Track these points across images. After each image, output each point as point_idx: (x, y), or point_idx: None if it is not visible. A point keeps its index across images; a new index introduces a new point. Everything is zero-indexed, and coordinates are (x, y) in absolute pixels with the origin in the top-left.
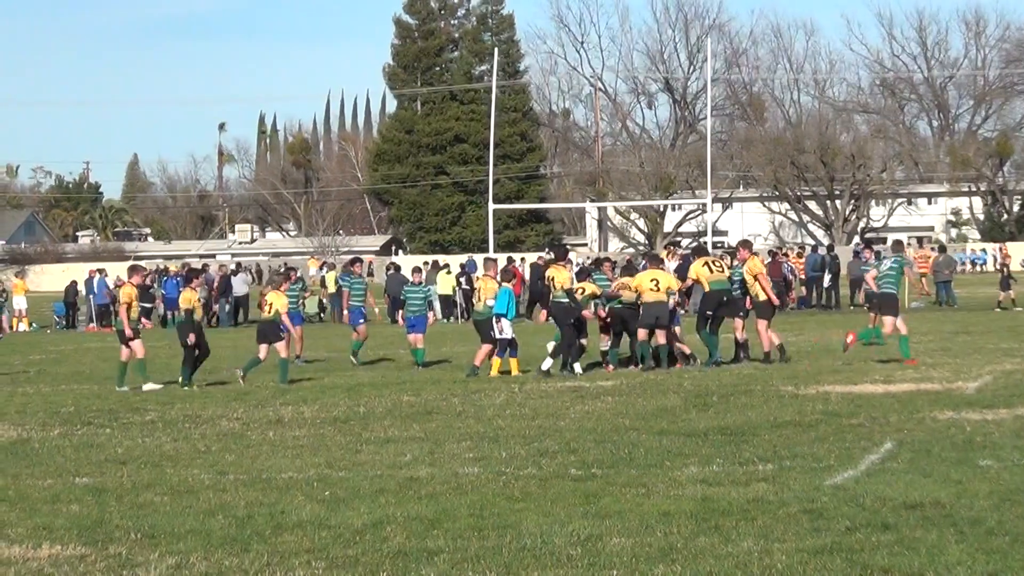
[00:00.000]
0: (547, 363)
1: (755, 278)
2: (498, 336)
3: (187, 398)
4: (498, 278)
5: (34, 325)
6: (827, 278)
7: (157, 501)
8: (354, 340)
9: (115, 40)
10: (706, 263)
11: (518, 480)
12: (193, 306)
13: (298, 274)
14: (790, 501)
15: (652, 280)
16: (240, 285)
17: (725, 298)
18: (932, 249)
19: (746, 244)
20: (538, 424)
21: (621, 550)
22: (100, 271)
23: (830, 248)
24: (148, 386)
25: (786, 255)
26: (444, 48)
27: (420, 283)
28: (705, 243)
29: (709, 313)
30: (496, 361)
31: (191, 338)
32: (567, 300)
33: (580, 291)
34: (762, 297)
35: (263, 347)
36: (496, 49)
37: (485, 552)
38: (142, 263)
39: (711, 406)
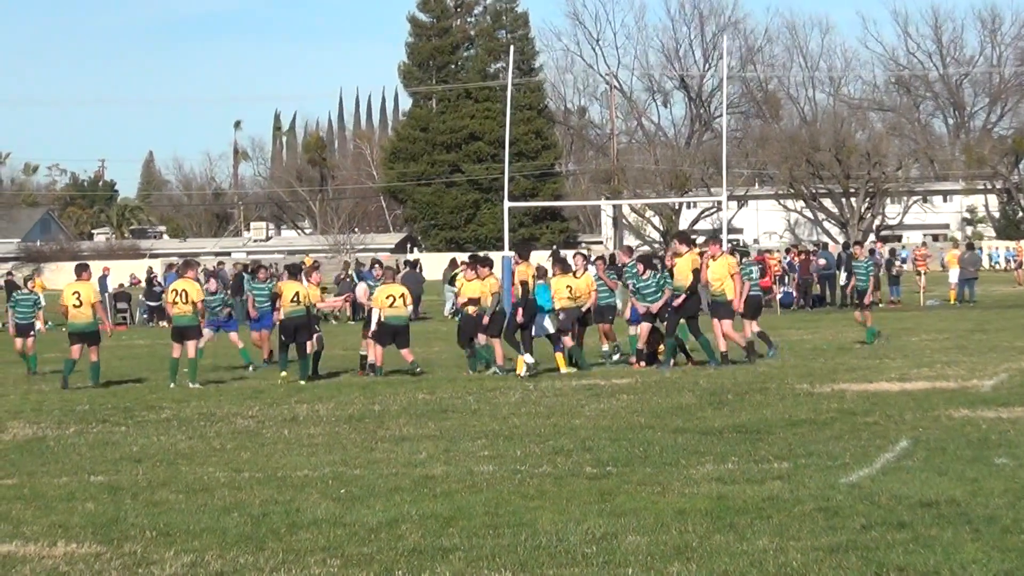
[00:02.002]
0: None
1: (731, 277)
2: (542, 333)
3: (203, 396)
4: (535, 273)
5: (49, 324)
6: (843, 276)
7: (172, 499)
8: (244, 348)
9: (131, 39)
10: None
11: (533, 478)
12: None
13: (271, 271)
14: (805, 499)
15: (566, 287)
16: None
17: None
18: (955, 246)
19: (716, 240)
20: (553, 422)
21: (636, 548)
22: (105, 269)
23: (846, 246)
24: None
25: (767, 253)
26: (459, 46)
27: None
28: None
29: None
30: (559, 357)
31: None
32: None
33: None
34: (729, 296)
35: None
36: (511, 47)
37: (500, 550)
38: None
39: (726, 404)
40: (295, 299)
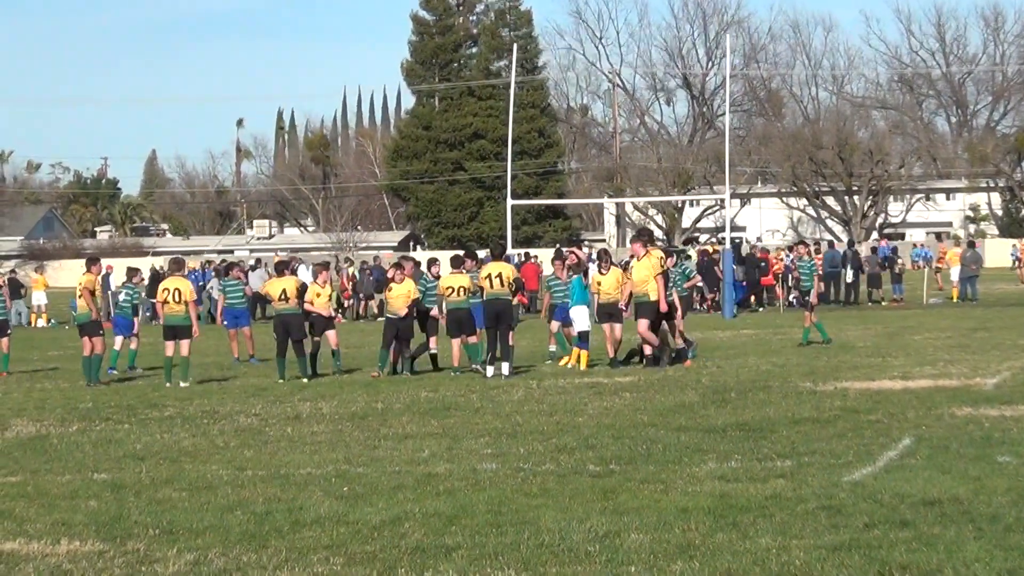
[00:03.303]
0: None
1: (654, 278)
2: (578, 329)
3: (206, 394)
4: (568, 271)
5: (52, 321)
6: (849, 274)
7: (175, 497)
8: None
9: (133, 36)
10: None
11: (536, 476)
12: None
13: (243, 268)
14: (808, 497)
15: (497, 275)
16: (257, 281)
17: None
18: (956, 244)
19: (643, 237)
20: (556, 420)
21: (639, 546)
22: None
23: (851, 244)
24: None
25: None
26: (462, 44)
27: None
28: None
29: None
30: (583, 354)
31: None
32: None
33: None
34: (652, 297)
35: (329, 334)
36: (514, 45)
37: (503, 548)
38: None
39: (729, 402)
40: (282, 297)
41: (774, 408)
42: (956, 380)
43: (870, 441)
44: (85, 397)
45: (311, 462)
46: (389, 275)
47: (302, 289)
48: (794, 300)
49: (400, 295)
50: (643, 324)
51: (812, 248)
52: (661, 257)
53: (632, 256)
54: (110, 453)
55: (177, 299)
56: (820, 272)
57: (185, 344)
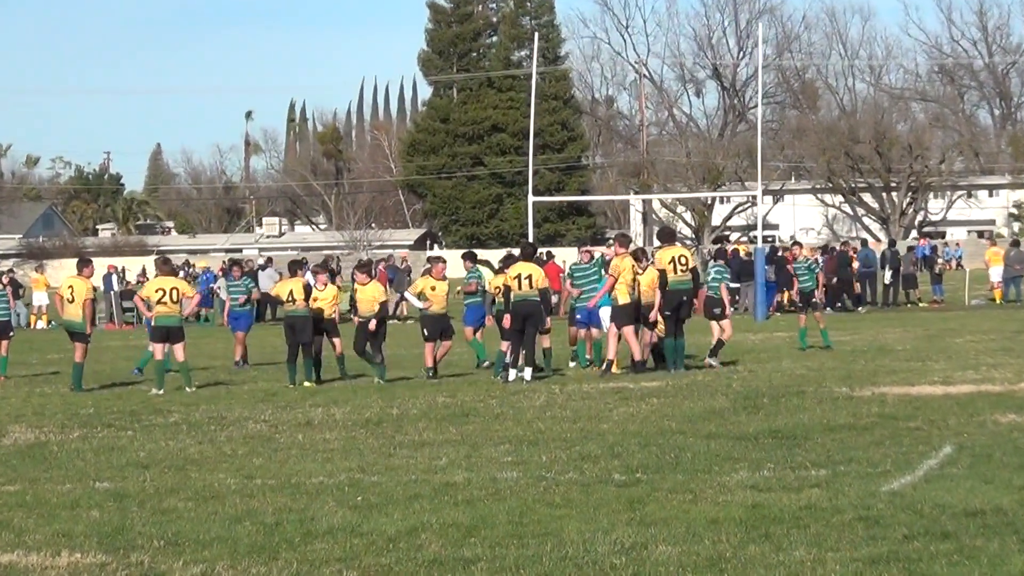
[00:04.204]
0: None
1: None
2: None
3: (213, 399)
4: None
5: (52, 323)
6: (887, 275)
7: (181, 507)
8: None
9: (138, 25)
10: (672, 260)
11: (559, 485)
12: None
13: (246, 268)
14: (844, 508)
15: (527, 276)
16: (267, 281)
17: (685, 298)
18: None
19: (619, 239)
20: (580, 427)
21: (667, 559)
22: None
23: (891, 243)
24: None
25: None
26: (481, 33)
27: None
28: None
29: (667, 313)
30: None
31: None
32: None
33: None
34: (621, 301)
35: (335, 340)
36: (536, 33)
37: (525, 561)
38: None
39: (761, 408)
40: (290, 298)
41: (808, 414)
42: (999, 385)
43: (909, 449)
44: (86, 402)
45: (323, 470)
46: (355, 277)
47: (307, 290)
48: (798, 300)
49: (366, 299)
50: (627, 330)
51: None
52: (634, 265)
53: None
54: (113, 461)
55: (174, 299)
56: (822, 271)
57: (179, 348)
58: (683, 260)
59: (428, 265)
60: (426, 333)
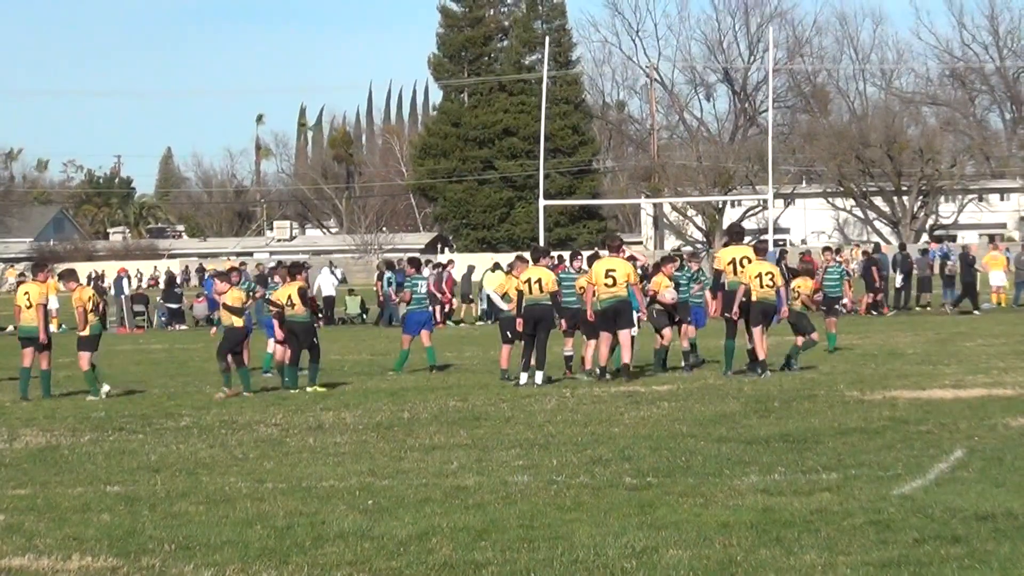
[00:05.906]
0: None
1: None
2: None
3: (223, 403)
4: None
5: (63, 327)
6: (899, 278)
7: (192, 511)
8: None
9: (148, 28)
10: (759, 276)
11: (570, 489)
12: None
13: (244, 271)
14: (855, 512)
15: (537, 280)
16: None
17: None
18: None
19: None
20: (591, 431)
21: (678, 563)
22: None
23: (902, 247)
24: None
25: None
26: (492, 37)
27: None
28: (765, 241)
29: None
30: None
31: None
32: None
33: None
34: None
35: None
36: (547, 38)
37: (535, 564)
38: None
39: (772, 412)
40: (289, 303)
41: (819, 418)
42: (1011, 389)
43: (920, 453)
44: (97, 406)
45: (334, 474)
46: (275, 277)
47: (303, 293)
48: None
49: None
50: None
51: (855, 250)
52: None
53: (631, 258)
54: (124, 465)
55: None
56: (850, 278)
57: (86, 357)
58: (770, 277)
59: (507, 266)
60: (508, 335)
